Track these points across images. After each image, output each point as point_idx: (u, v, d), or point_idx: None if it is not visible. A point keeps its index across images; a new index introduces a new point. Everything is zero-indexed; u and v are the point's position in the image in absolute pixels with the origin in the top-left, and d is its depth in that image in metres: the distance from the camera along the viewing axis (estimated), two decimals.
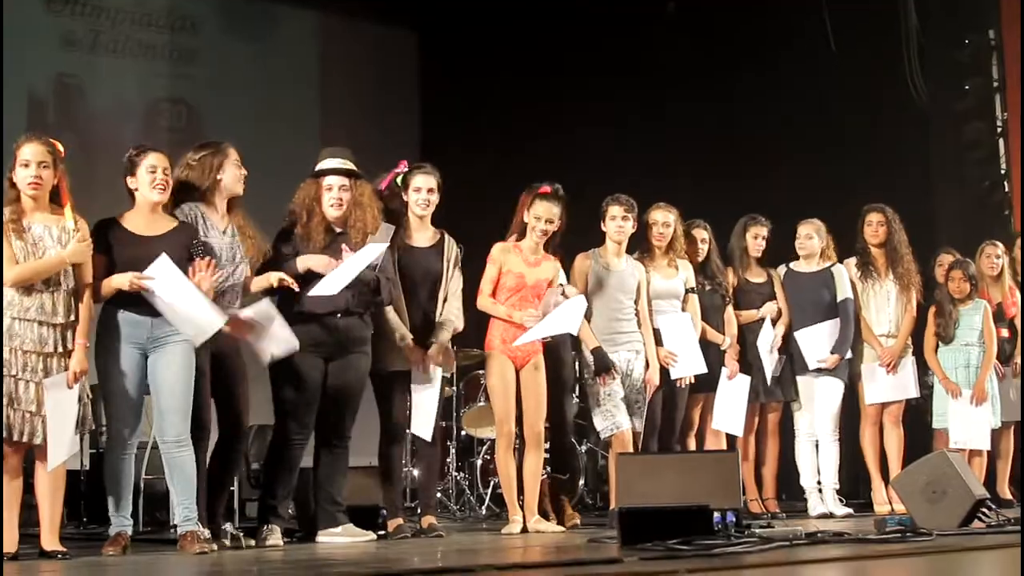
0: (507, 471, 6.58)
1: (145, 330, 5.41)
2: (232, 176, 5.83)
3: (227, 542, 5.66)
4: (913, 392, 7.65)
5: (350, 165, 6.16)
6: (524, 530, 6.43)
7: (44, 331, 5.21)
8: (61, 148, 5.35)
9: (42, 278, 5.18)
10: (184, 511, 5.44)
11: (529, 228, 6.64)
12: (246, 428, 6.12)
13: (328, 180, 6.09)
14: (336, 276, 5.90)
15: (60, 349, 5.23)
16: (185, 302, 5.35)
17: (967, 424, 7.56)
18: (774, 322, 7.54)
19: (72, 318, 5.27)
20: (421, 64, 11.58)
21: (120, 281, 5.35)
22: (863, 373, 7.63)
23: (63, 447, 5.21)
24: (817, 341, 7.48)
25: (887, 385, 7.60)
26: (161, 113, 10.37)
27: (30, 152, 5.22)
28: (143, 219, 5.53)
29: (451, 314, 6.49)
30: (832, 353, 7.47)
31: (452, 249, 6.56)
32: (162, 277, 5.34)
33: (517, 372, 6.59)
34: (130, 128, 9.82)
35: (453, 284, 6.52)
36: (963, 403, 7.59)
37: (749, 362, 7.50)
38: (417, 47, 11.61)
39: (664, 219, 7.21)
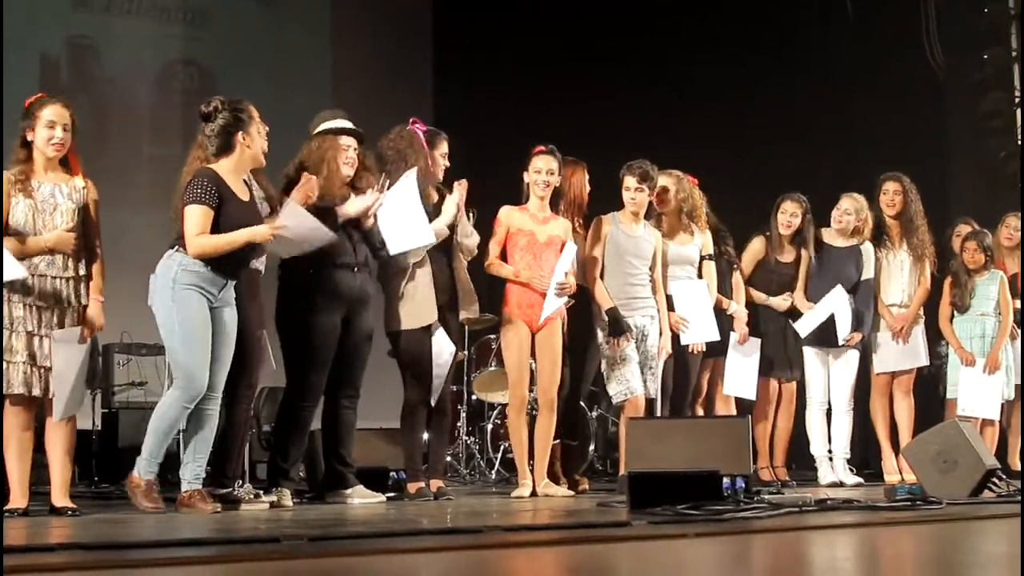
0: (519, 435, 6.59)
1: (218, 289, 5.39)
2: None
3: (243, 501, 5.66)
4: (923, 360, 7.63)
5: (352, 133, 6.18)
6: (534, 494, 6.44)
7: (57, 284, 5.22)
8: None
9: (22, 256, 5.14)
10: (196, 469, 5.43)
11: (532, 185, 6.66)
12: (255, 387, 6.10)
13: (345, 140, 6.08)
14: (407, 223, 5.97)
15: (73, 302, 5.25)
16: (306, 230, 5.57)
17: (977, 393, 7.54)
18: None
19: (82, 272, 5.28)
20: (435, 24, 11.53)
21: (257, 233, 5.37)
22: (873, 342, 7.61)
23: (71, 401, 5.23)
24: (841, 319, 7.46)
25: (897, 354, 7.59)
26: (175, 75, 10.34)
27: (55, 114, 5.22)
28: (234, 175, 5.49)
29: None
30: (853, 331, 7.46)
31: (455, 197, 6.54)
32: (291, 217, 5.50)
33: (533, 336, 6.58)
34: (143, 90, 9.81)
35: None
36: (975, 372, 7.58)
37: (759, 327, 7.48)
38: (431, 6, 11.54)
39: (673, 186, 7.18)
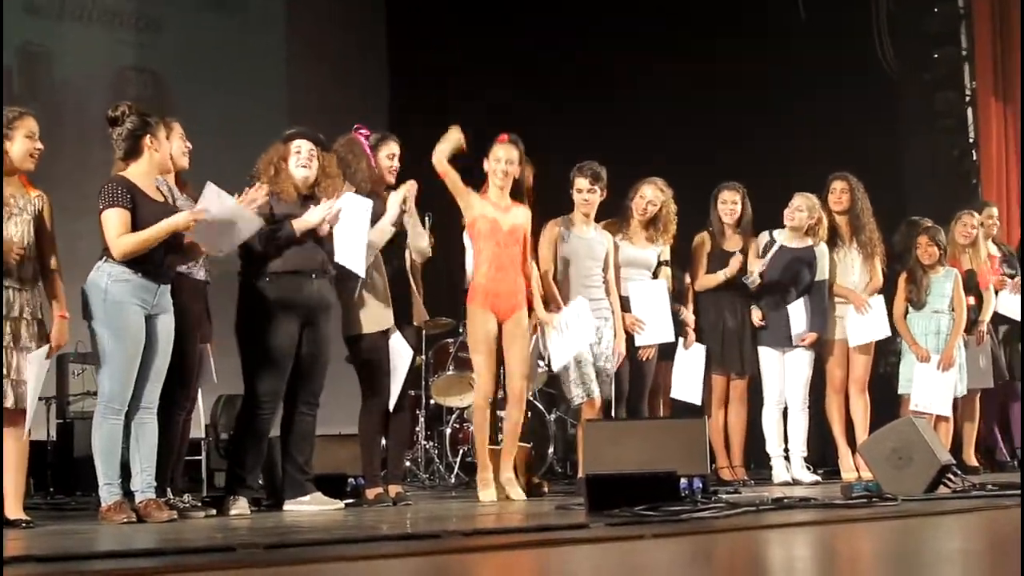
0: (483, 425, 6.52)
1: (152, 296, 5.40)
2: (178, 149, 5.86)
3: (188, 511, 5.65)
4: (885, 331, 7.65)
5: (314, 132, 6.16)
6: (497, 488, 6.43)
7: (10, 295, 5.21)
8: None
9: None
10: (146, 478, 5.42)
11: (491, 174, 6.59)
12: (194, 399, 6.09)
13: (296, 142, 6.08)
14: (350, 243, 5.96)
15: (27, 315, 5.25)
16: (228, 213, 5.52)
17: (930, 389, 7.61)
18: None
19: (39, 283, 5.28)
20: (389, 29, 11.50)
21: (178, 221, 5.36)
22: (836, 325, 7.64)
23: (31, 417, 5.25)
24: (795, 318, 7.50)
25: (859, 326, 7.62)
26: (128, 82, 10.25)
27: (35, 125, 5.32)
28: (149, 179, 5.52)
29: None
30: (810, 331, 7.50)
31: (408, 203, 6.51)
32: (211, 201, 5.44)
33: (500, 325, 6.52)
34: (97, 97, 9.71)
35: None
36: (929, 368, 7.65)
37: (716, 323, 7.53)
38: (384, 11, 11.52)
39: (652, 196, 7.19)
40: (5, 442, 5.25)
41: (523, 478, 6.87)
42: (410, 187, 6.45)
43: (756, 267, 7.44)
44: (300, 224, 5.94)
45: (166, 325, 5.46)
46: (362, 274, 6.08)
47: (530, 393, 6.94)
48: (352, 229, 6.02)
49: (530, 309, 6.64)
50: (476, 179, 6.70)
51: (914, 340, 7.70)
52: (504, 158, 6.58)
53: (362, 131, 6.48)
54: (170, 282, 5.50)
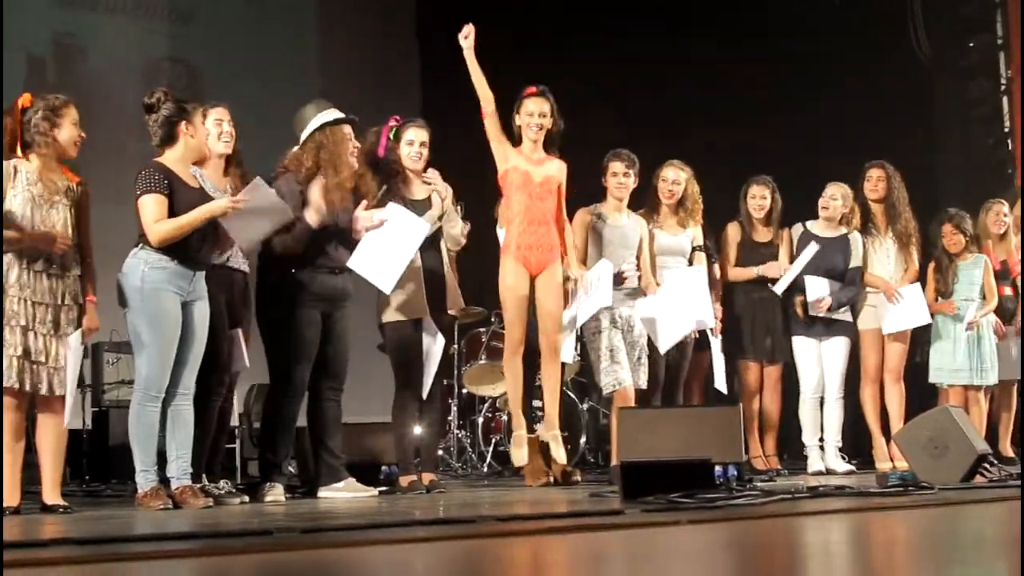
0: (513, 377, 6.48)
1: (188, 283, 5.43)
2: (213, 135, 5.87)
3: (223, 498, 5.67)
4: (925, 318, 7.59)
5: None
6: (534, 452, 6.44)
7: (53, 283, 5.24)
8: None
9: (14, 249, 5.19)
10: (182, 464, 5.46)
11: (524, 128, 6.53)
12: (227, 384, 6.11)
13: (347, 129, 6.08)
14: (387, 258, 5.98)
15: (68, 301, 5.27)
16: (267, 205, 5.53)
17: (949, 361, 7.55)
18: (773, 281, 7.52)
19: (77, 271, 5.31)
20: (420, 18, 11.49)
21: (215, 208, 5.39)
22: (867, 313, 7.58)
23: (69, 403, 5.26)
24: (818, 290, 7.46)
25: (896, 314, 7.56)
26: (161, 72, 10.28)
27: (76, 114, 5.36)
28: (184, 165, 5.56)
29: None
30: (833, 301, 7.43)
31: (445, 192, 6.50)
32: (254, 194, 5.47)
33: (532, 280, 6.47)
34: (130, 87, 9.76)
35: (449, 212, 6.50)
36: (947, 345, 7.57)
37: (737, 320, 7.49)
38: (415, 3, 11.52)
39: (675, 177, 7.21)
40: (42, 428, 5.30)
41: (556, 467, 6.87)
42: (434, 178, 6.42)
43: (785, 276, 7.39)
44: (358, 230, 5.99)
45: (202, 312, 5.49)
46: (388, 291, 6.09)
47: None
48: (395, 246, 6.01)
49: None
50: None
51: (943, 306, 7.66)
52: (536, 111, 6.53)
53: (391, 122, 6.46)
54: (206, 269, 5.52)
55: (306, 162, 6.00)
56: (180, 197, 5.39)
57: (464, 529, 4.18)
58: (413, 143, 6.41)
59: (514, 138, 6.55)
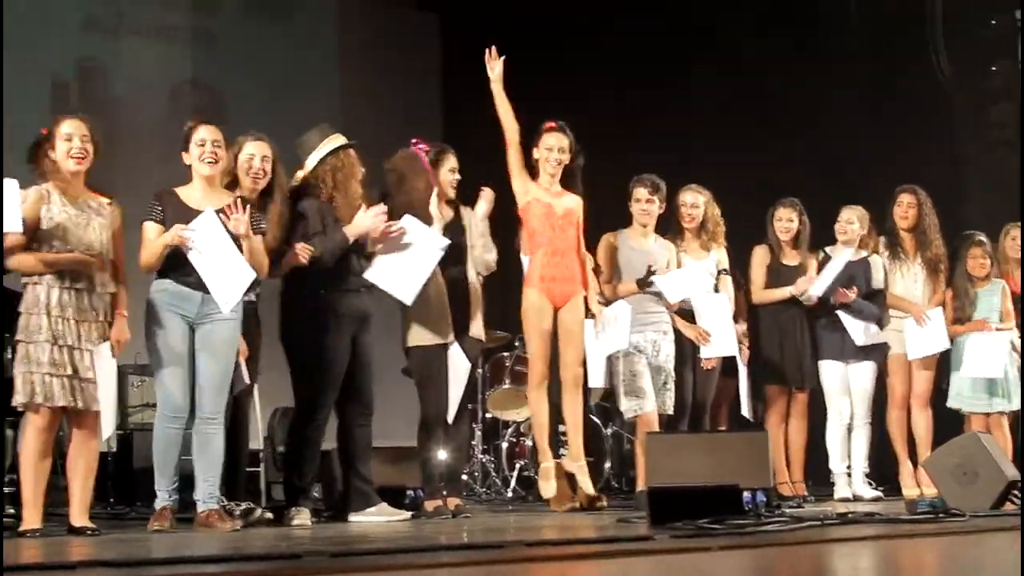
0: (539, 411, 6.47)
1: (195, 304, 5.44)
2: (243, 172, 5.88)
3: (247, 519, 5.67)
4: (944, 343, 7.53)
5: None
6: (559, 476, 6.41)
7: (86, 299, 5.25)
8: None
9: (52, 270, 5.20)
10: (208, 488, 5.46)
11: (542, 162, 6.55)
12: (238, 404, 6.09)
13: (354, 153, 6.09)
14: (407, 272, 5.95)
15: (102, 317, 5.29)
16: (221, 256, 5.43)
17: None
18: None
19: (112, 288, 5.33)
20: (443, 43, 11.52)
21: (167, 237, 5.40)
22: (893, 338, 7.55)
23: (109, 418, 5.27)
24: (851, 327, 7.44)
25: (919, 340, 7.51)
26: (184, 96, 10.32)
27: (71, 127, 5.31)
28: (199, 192, 5.57)
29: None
30: (866, 340, 7.39)
31: (469, 215, 6.54)
32: (204, 230, 5.40)
33: (555, 311, 6.47)
34: (153, 111, 9.80)
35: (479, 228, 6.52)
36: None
37: (763, 344, 7.48)
38: (438, 25, 11.55)
39: (693, 200, 7.22)
40: (75, 448, 5.30)
41: (581, 492, 6.84)
42: (488, 197, 6.44)
43: (813, 286, 7.37)
44: (353, 230, 5.94)
45: (217, 333, 5.47)
46: (409, 303, 6.07)
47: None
48: (413, 259, 6.00)
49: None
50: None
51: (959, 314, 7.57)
52: (556, 146, 6.56)
53: (421, 146, 6.47)
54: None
55: (326, 184, 6.00)
56: (174, 223, 5.41)
57: (493, 554, 4.16)
58: (455, 171, 6.49)
59: (532, 171, 6.57)
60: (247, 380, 5.91)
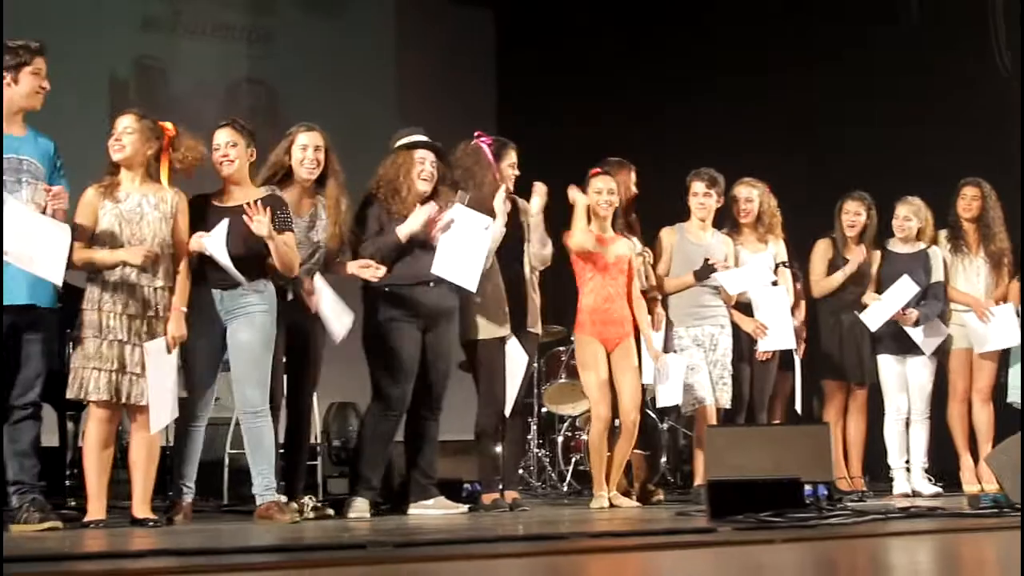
0: (599, 453, 6.47)
1: (219, 302, 5.50)
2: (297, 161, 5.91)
3: (310, 515, 5.69)
4: (1015, 339, 7.40)
5: (430, 147, 6.14)
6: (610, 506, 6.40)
7: (146, 293, 5.28)
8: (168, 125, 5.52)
9: (99, 269, 5.25)
10: (264, 481, 5.49)
11: (593, 206, 6.56)
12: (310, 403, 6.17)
13: (420, 153, 6.08)
14: (462, 257, 5.95)
15: (162, 313, 5.30)
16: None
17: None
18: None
19: (171, 283, 5.35)
20: (497, 39, 11.54)
21: (192, 243, 5.44)
22: (955, 332, 7.46)
23: (164, 412, 5.27)
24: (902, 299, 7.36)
25: (988, 334, 7.40)
26: (241, 93, 10.39)
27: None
28: (226, 193, 5.63)
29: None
30: (926, 336, 7.32)
31: (525, 209, 6.54)
32: (219, 238, 5.44)
33: (608, 354, 6.51)
34: (211, 109, 9.85)
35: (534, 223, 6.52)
36: None
37: (822, 338, 7.42)
38: (493, 22, 11.56)
39: (747, 195, 7.18)
40: (133, 440, 5.35)
41: (638, 485, 6.84)
42: (543, 191, 6.44)
43: (872, 319, 7.29)
44: (405, 230, 5.96)
45: (241, 329, 5.50)
46: (473, 289, 6.06)
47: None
48: (466, 244, 5.99)
49: (638, 339, 6.63)
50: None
51: None
52: (604, 188, 6.58)
53: (484, 139, 6.47)
54: (237, 287, 5.50)
55: (384, 184, 6.04)
56: (204, 225, 5.50)
57: (557, 545, 4.16)
58: (514, 166, 6.49)
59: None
60: None
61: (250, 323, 5.50)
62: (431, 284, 6.02)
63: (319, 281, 5.80)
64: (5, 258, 4.94)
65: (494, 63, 11.52)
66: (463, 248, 5.99)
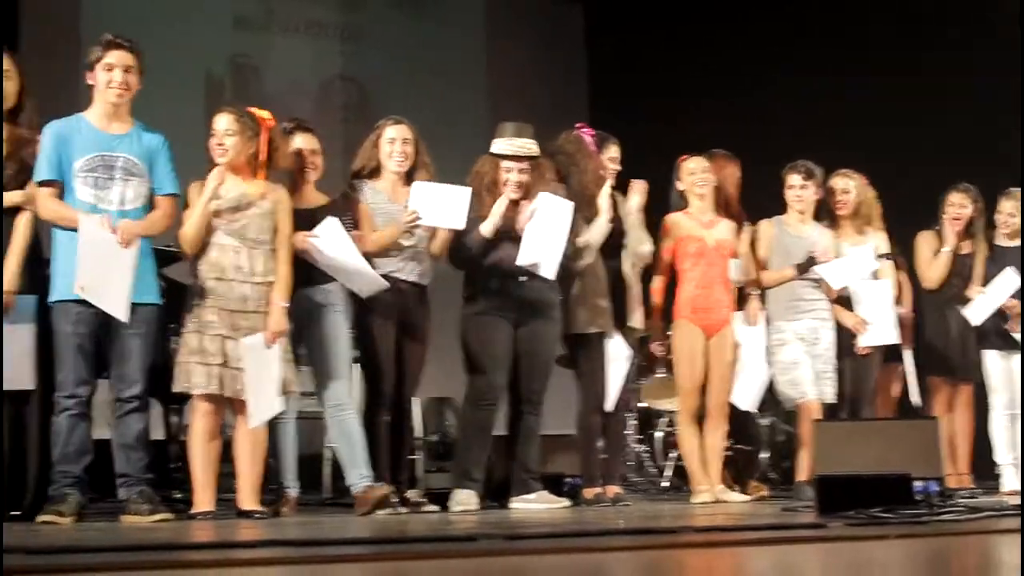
0: (690, 444, 6.48)
1: (304, 300, 5.55)
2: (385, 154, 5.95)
3: (415, 509, 5.71)
4: None
5: (529, 146, 6.08)
6: (713, 501, 6.34)
7: (246, 289, 5.32)
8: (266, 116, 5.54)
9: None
10: (357, 471, 5.56)
11: (689, 190, 6.55)
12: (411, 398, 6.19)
13: (506, 164, 6.05)
14: (544, 243, 5.91)
15: (252, 307, 5.33)
16: (348, 261, 5.57)
17: None
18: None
19: (271, 278, 5.37)
20: (587, 33, 11.48)
21: (297, 242, 5.49)
22: None
23: (264, 406, 5.29)
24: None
25: None
26: (334, 91, 10.45)
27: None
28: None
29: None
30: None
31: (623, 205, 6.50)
32: (328, 237, 5.52)
33: (707, 340, 6.47)
34: (304, 106, 9.91)
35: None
36: None
37: (927, 333, 7.28)
38: (583, 14, 11.51)
39: (843, 186, 7.06)
40: (237, 433, 5.39)
41: (737, 486, 6.75)
42: (641, 188, 6.39)
43: (981, 306, 7.12)
44: (487, 227, 5.94)
45: (322, 325, 5.58)
46: (551, 276, 6.00)
47: None
48: (548, 230, 5.95)
49: None
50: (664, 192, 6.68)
51: None
52: (698, 168, 6.55)
53: (585, 130, 6.45)
54: (328, 282, 5.60)
55: (472, 181, 6.04)
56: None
57: (665, 539, 4.12)
58: (615, 160, 6.47)
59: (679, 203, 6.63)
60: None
61: (329, 321, 5.58)
62: (523, 278, 6.00)
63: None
64: (80, 294, 5.01)
65: (585, 57, 11.46)
66: (546, 234, 5.95)
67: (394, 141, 5.92)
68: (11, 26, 8.83)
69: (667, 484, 7.98)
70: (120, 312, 5.04)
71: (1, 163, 5.15)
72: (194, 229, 5.31)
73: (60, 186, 5.13)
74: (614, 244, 6.38)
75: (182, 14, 9.69)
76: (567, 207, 6.00)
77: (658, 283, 6.66)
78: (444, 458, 7.32)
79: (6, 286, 5.05)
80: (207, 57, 10.05)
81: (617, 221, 6.41)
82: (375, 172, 5.96)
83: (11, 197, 5.16)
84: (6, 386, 5.01)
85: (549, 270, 5.97)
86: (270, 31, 10.41)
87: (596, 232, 6.23)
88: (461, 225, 5.84)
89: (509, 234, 5.98)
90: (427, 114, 8.57)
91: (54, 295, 5.10)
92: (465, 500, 5.86)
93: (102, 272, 5.02)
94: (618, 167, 6.50)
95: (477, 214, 5.95)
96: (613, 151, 6.48)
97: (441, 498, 5.96)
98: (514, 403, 6.10)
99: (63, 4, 9.49)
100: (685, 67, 10.53)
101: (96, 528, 4.73)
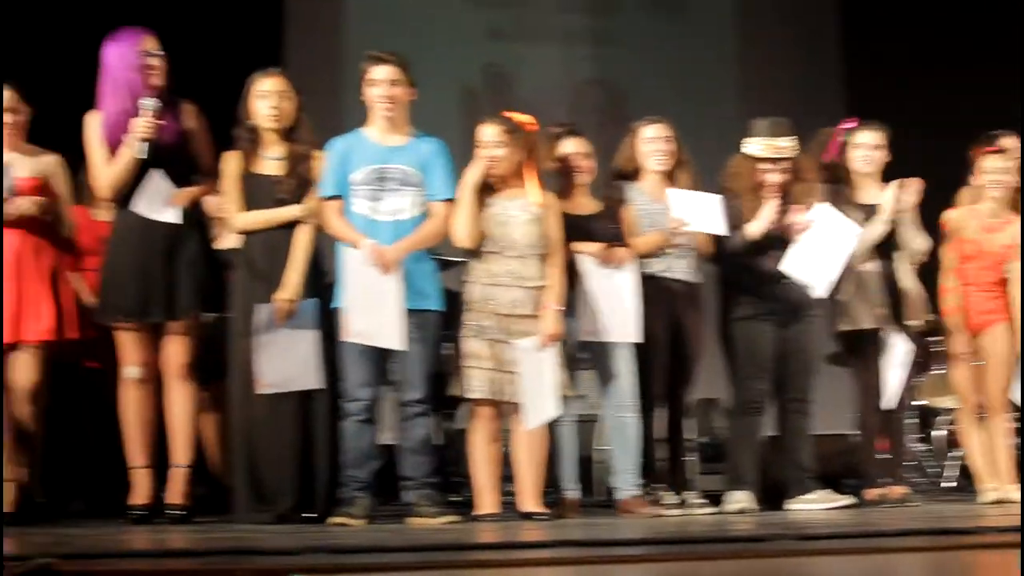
0: (971, 443, 6.26)
1: None
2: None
3: (693, 511, 5.69)
4: None
5: (784, 145, 5.94)
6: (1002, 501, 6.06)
7: (517, 293, 5.36)
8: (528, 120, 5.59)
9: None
10: (625, 475, 5.58)
11: (986, 187, 6.26)
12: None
13: (762, 166, 5.95)
14: (819, 259, 5.82)
15: (523, 311, 5.37)
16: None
17: None
18: None
19: (542, 282, 5.42)
20: (843, 27, 11.16)
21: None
22: None
23: (541, 409, 5.32)
24: None
25: None
26: (586, 95, 10.48)
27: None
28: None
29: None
30: None
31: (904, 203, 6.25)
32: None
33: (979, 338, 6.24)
34: (558, 111, 9.97)
35: None
36: None
37: None
38: (839, 9, 11.20)
39: (992, 167, 6.59)
40: (515, 435, 5.43)
41: None
42: (916, 188, 6.17)
43: None
44: (751, 231, 5.84)
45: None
46: (822, 293, 5.91)
47: None
48: (825, 247, 5.83)
49: None
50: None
51: None
52: (999, 168, 6.25)
53: (847, 124, 6.27)
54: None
55: (734, 184, 5.98)
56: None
57: (959, 540, 3.96)
58: (864, 146, 6.24)
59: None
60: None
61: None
62: (783, 280, 5.89)
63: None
64: (353, 339, 5.15)
65: (840, 50, 11.13)
66: (822, 251, 5.83)
67: (654, 140, 5.91)
68: (276, 46, 9.26)
69: (952, 484, 7.67)
70: (395, 344, 5.16)
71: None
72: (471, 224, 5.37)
73: (342, 201, 5.29)
74: (891, 239, 6.18)
75: (438, 28, 9.95)
76: (853, 232, 5.88)
77: (948, 282, 6.39)
78: (714, 460, 7.22)
79: (288, 295, 5.23)
80: (461, 68, 10.25)
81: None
82: (635, 173, 5.95)
83: (291, 211, 5.35)
84: (293, 387, 5.18)
85: (821, 288, 5.88)
86: (523, 40, 10.57)
87: (873, 232, 6.05)
88: (723, 230, 5.79)
89: (770, 235, 5.89)
90: (680, 116, 8.51)
91: (337, 301, 5.26)
92: (743, 500, 5.80)
93: (371, 309, 5.15)
94: (871, 155, 6.23)
95: (738, 215, 5.87)
96: (870, 137, 6.23)
97: (715, 500, 5.90)
98: (782, 403, 6.00)
99: (326, 23, 9.86)
100: (951, 60, 10.12)
101: (387, 529, 4.87)
